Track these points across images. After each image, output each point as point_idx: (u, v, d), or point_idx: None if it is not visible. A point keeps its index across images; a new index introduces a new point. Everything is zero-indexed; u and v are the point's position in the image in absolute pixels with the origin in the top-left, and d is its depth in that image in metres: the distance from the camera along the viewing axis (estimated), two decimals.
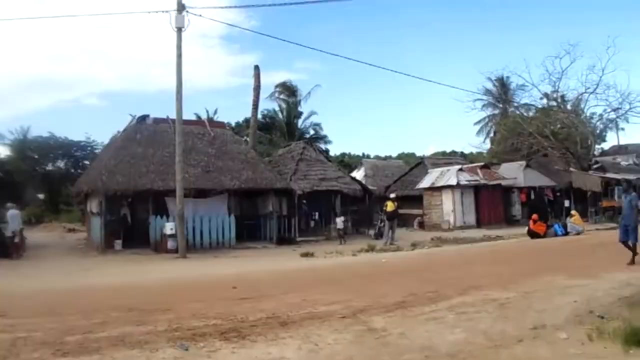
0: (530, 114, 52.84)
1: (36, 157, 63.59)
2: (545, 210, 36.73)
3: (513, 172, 44.58)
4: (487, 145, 65.62)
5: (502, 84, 60.64)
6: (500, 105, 64.03)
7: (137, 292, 14.95)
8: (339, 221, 31.75)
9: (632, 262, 16.07)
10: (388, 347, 7.93)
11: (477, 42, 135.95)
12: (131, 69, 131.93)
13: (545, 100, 51.33)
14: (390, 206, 31.47)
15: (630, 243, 16.47)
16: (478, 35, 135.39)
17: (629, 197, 17.25)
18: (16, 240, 26.19)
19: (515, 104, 56.29)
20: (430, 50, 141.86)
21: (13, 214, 26.67)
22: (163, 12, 25.47)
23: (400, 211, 35.36)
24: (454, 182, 40.44)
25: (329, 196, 36.23)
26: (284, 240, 31.75)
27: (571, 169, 44.49)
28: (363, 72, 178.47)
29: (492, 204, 41.71)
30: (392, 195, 33.56)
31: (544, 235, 27.87)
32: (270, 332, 8.90)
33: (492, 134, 65.61)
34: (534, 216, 29.17)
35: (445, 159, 56.22)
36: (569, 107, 49.45)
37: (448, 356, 7.47)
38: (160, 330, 9.17)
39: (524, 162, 45.96)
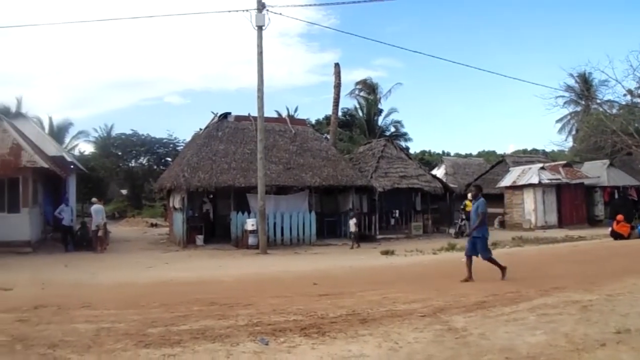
0: (614, 111, 51.32)
1: (119, 153, 65.05)
2: (629, 210, 35.71)
3: (596, 171, 43.58)
4: (569, 143, 64.14)
5: (584, 80, 59.00)
6: (583, 102, 62.43)
7: (218, 286, 15.12)
8: (351, 223, 29.71)
9: (503, 276, 14.85)
10: (468, 347, 7.76)
11: (559, 37, 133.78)
12: (212, 67, 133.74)
13: (629, 97, 49.83)
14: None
15: (484, 259, 15.16)
16: (560, 30, 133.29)
17: (476, 204, 15.57)
18: (100, 234, 26.75)
19: (598, 101, 54.78)
20: (511, 46, 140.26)
21: (97, 208, 27.30)
22: (244, 11, 25.74)
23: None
24: (535, 180, 39.68)
25: (409, 194, 36.01)
26: (364, 237, 31.66)
27: None
28: (443, 69, 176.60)
29: (574, 204, 40.80)
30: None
31: (628, 237, 27.05)
32: (350, 329, 8.81)
33: (574, 132, 64.11)
34: (619, 217, 28.22)
35: (526, 157, 55.14)
36: None
37: (529, 358, 7.26)
38: (241, 325, 9.19)
39: (607, 161, 44.76)
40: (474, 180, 49.56)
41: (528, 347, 7.71)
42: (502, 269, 14.82)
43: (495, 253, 23.88)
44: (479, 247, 14.99)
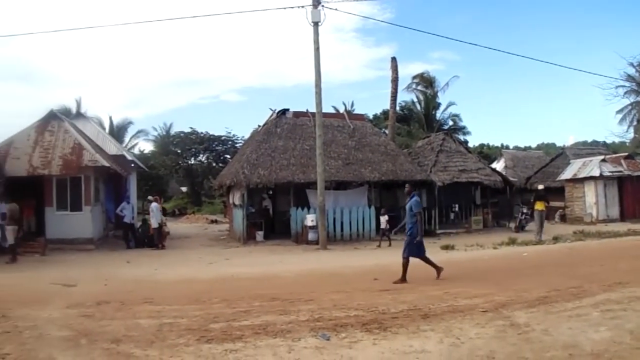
0: None
1: (179, 151, 65.91)
2: None
3: None
4: (631, 134, 62.56)
5: None
6: None
7: (279, 282, 15.19)
8: (382, 220, 28.22)
9: (438, 269, 14.67)
10: (531, 343, 7.70)
11: (618, 25, 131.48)
12: (269, 64, 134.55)
13: None
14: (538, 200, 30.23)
15: (421, 258, 14.89)
16: (619, 18, 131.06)
17: (410, 202, 15.20)
18: (167, 229, 27.26)
19: None
20: (569, 36, 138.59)
21: (156, 206, 27.64)
22: (299, 7, 25.76)
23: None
24: (596, 173, 38.91)
25: (468, 188, 35.66)
26: (424, 232, 31.40)
27: None
28: (500, 61, 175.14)
29: (636, 197, 39.61)
30: (540, 187, 32.08)
31: None
32: (412, 325, 8.81)
33: (635, 123, 62.65)
34: None
35: (587, 149, 54.10)
36: None
37: (593, 355, 7.15)
38: (302, 320, 9.25)
39: None
40: (534, 174, 49.01)
41: (592, 343, 7.64)
42: (403, 278, 14.32)
43: (556, 247, 23.73)
44: (408, 245, 14.77)
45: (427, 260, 14.87)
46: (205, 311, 10.22)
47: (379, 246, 26.84)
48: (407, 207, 15.17)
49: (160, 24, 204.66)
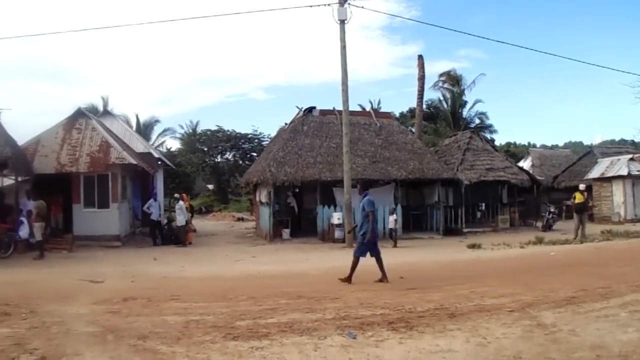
0: None
1: (205, 149, 66.28)
2: None
3: None
4: None
5: None
6: None
7: (305, 280, 15.21)
8: (391, 219, 27.50)
9: (385, 277, 14.16)
10: (558, 344, 7.66)
11: None
12: (296, 62, 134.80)
13: None
14: (578, 198, 29.60)
15: (354, 255, 14.31)
16: None
17: (362, 201, 14.63)
18: (192, 227, 27.40)
19: None
20: (598, 33, 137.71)
21: (182, 204, 27.79)
22: (326, 5, 25.72)
23: (569, 202, 33.89)
24: (624, 172, 38.49)
25: (495, 187, 35.50)
26: (451, 231, 31.35)
27: None
28: (528, 59, 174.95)
29: None
30: (582, 187, 31.39)
31: None
32: (438, 324, 8.80)
33: None
34: None
35: (615, 147, 53.66)
36: None
37: (621, 357, 7.10)
38: (329, 318, 9.25)
39: None
40: (562, 172, 48.64)
41: (620, 344, 7.58)
42: (349, 278, 14.11)
43: (584, 247, 23.54)
44: (360, 245, 14.40)
45: (380, 263, 14.46)
46: (231, 308, 10.26)
47: (395, 246, 26.06)
48: (360, 206, 14.79)
49: (188, 23, 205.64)
